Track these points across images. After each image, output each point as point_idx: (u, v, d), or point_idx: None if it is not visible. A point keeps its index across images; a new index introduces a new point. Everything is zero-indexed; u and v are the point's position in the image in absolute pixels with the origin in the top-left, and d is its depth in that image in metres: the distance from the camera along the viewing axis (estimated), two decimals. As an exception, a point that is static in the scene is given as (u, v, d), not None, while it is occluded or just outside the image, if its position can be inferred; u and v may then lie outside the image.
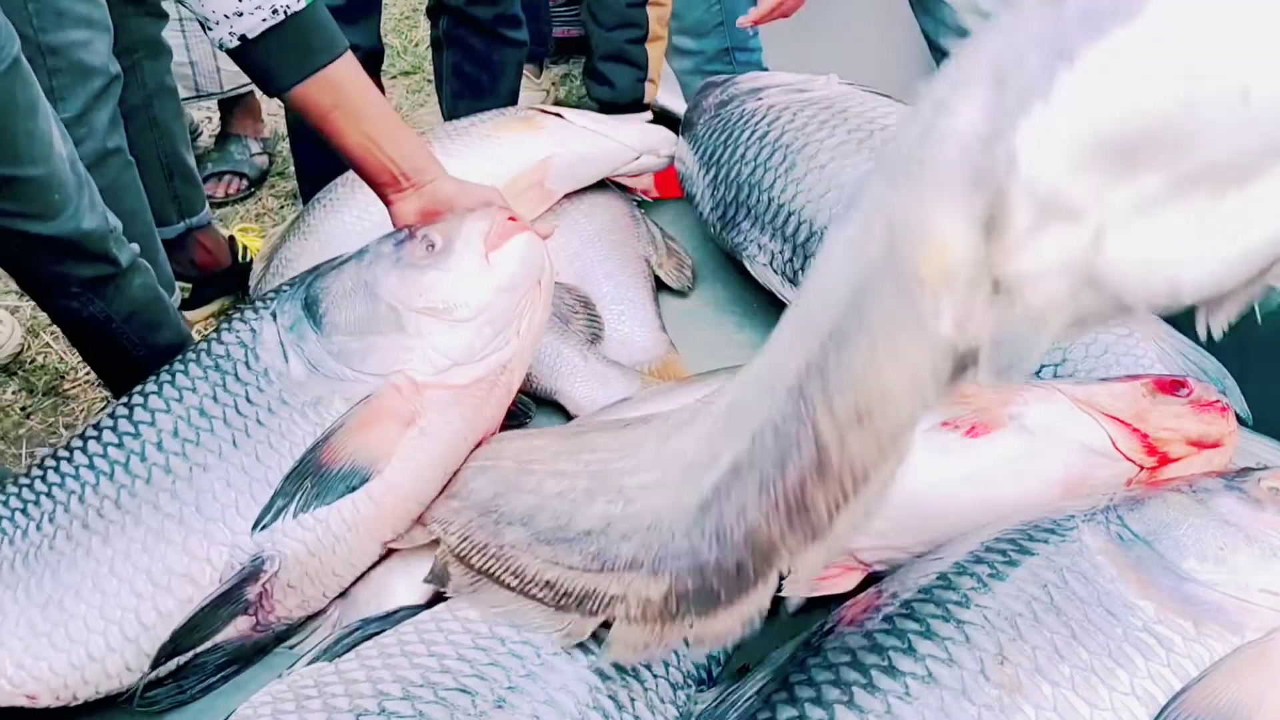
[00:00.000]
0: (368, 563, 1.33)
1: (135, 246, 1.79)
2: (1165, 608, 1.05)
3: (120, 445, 1.31)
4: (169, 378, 1.37)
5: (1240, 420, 1.44)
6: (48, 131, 1.55)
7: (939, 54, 2.51)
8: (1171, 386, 1.27)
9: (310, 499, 1.27)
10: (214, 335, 1.40)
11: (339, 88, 1.40)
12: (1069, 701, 1.00)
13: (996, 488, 1.22)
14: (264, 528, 1.26)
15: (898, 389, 0.84)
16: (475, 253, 1.36)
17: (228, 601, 1.25)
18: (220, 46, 1.38)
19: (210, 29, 1.37)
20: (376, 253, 1.40)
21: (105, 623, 1.23)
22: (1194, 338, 1.46)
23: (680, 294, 1.80)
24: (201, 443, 1.30)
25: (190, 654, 1.26)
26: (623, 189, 1.96)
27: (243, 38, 1.37)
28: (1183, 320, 1.48)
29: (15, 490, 1.32)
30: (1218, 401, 1.28)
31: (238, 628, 1.28)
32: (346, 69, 1.41)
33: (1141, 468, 1.24)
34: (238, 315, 1.41)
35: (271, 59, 1.39)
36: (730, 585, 0.99)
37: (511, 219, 1.40)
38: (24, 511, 1.29)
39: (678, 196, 1.96)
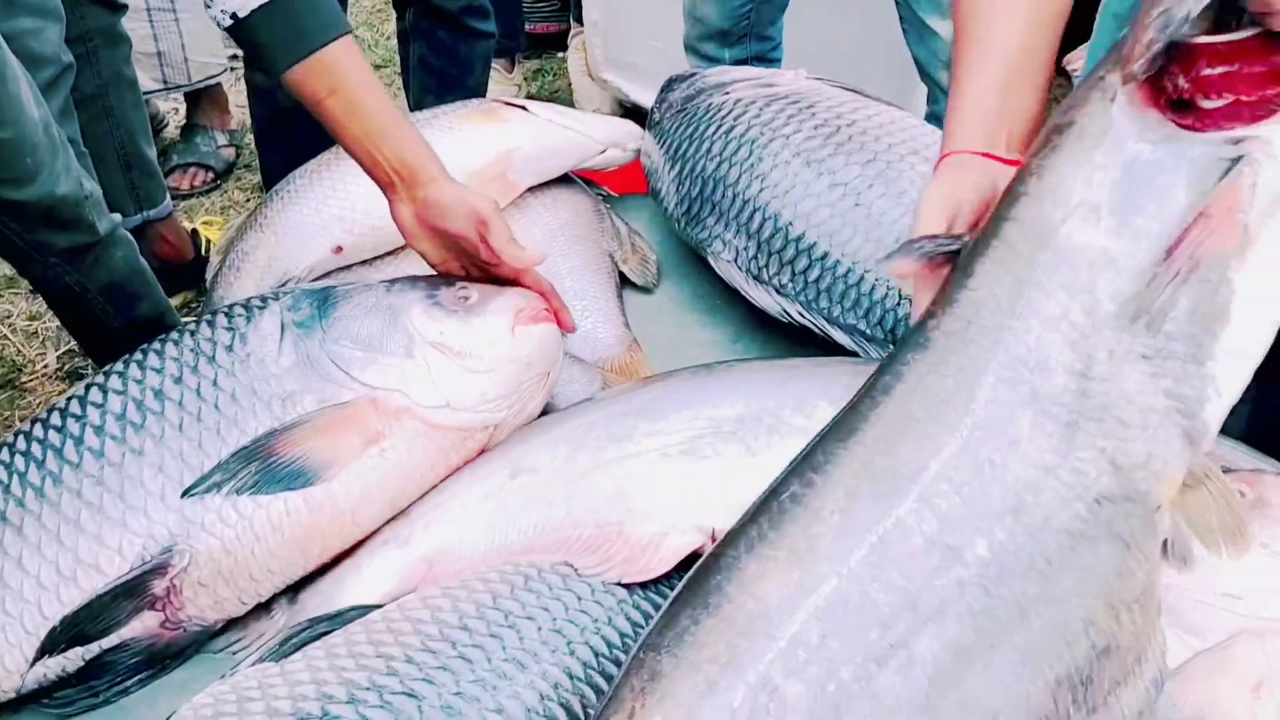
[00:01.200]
0: (291, 574, 1.29)
1: (117, 216, 1.77)
2: (1126, 611, 1.03)
3: (61, 430, 1.28)
4: (142, 356, 1.34)
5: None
6: (18, 94, 1.52)
7: (931, 83, 2.53)
8: None
9: (249, 483, 1.22)
10: (210, 315, 1.37)
11: (334, 72, 1.37)
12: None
13: None
14: (198, 494, 1.22)
15: None
16: (505, 319, 1.37)
17: (130, 594, 1.20)
18: (218, 25, 1.37)
19: (208, 6, 1.36)
20: (410, 285, 1.40)
21: (5, 617, 1.19)
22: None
23: (645, 290, 1.77)
24: (145, 427, 1.26)
25: (97, 650, 1.22)
26: (589, 183, 1.93)
27: (234, 15, 1.35)
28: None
29: None
30: None
31: (145, 624, 1.23)
32: (344, 53, 1.38)
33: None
34: (244, 301, 1.39)
35: (264, 39, 1.36)
36: None
37: (548, 309, 1.42)
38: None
39: (641, 192, 1.94)
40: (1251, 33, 0.92)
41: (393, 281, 1.42)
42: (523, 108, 1.86)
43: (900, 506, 0.91)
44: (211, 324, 1.36)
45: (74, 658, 1.22)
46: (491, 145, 1.78)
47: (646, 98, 2.37)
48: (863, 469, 0.94)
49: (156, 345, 1.35)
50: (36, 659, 1.20)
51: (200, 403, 1.29)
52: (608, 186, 1.97)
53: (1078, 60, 3.18)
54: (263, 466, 1.23)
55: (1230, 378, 0.94)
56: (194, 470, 1.24)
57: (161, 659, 1.26)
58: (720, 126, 1.65)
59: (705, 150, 1.65)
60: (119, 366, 1.34)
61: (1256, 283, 0.93)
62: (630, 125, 1.94)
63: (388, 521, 1.31)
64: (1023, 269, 0.95)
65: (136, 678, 1.25)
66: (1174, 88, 0.95)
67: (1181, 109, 0.95)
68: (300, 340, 1.32)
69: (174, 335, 1.36)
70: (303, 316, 1.35)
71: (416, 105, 2.71)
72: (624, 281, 1.78)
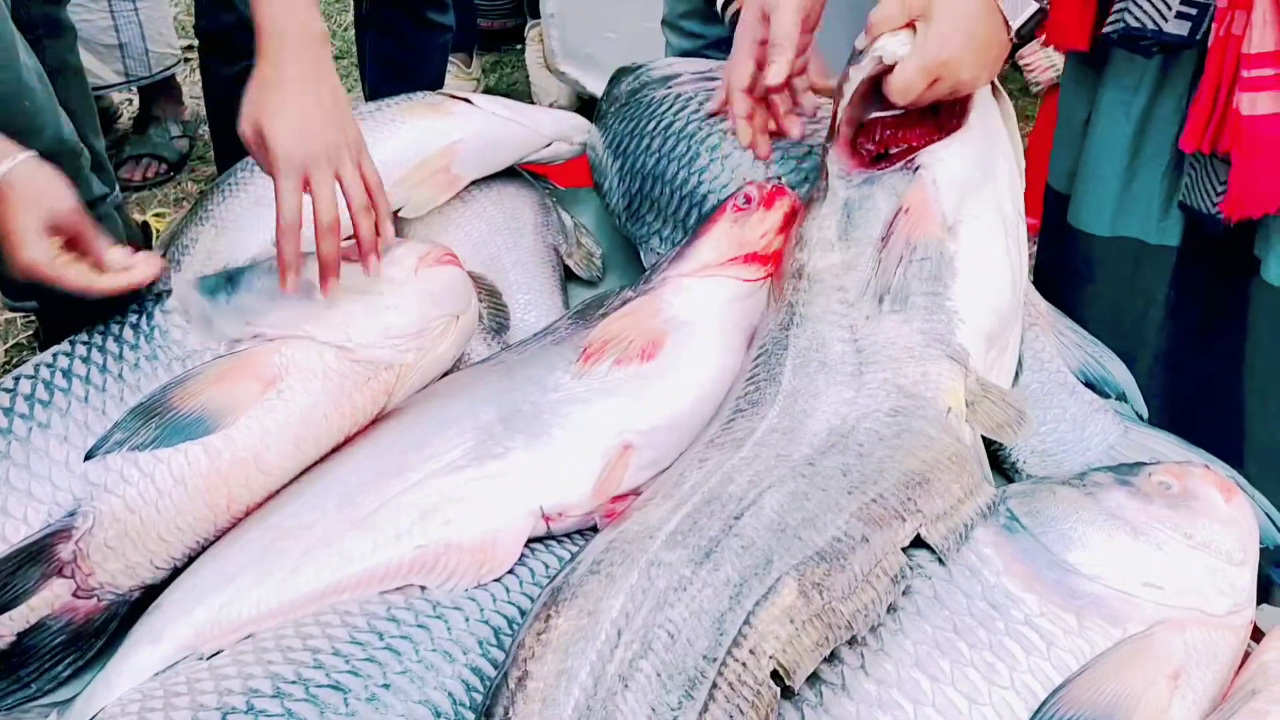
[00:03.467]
0: (199, 531, 1.27)
1: (107, 186, 1.76)
2: (1049, 601, 1.05)
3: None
4: (68, 346, 1.34)
5: (1140, 417, 1.46)
6: (12, 41, 1.49)
7: None
8: (742, 205, 1.45)
9: (149, 439, 1.21)
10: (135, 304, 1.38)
11: None
12: (947, 696, 0.99)
13: (709, 375, 1.34)
14: (99, 454, 1.21)
15: None
16: (409, 259, 1.39)
17: (34, 559, 1.18)
18: None
19: None
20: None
21: None
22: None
23: (589, 284, 1.77)
24: (51, 402, 1.27)
25: (14, 637, 1.20)
26: (535, 177, 1.93)
27: None
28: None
29: None
30: (772, 186, 1.46)
31: (57, 594, 1.21)
32: None
33: (769, 275, 1.40)
34: (157, 286, 1.38)
35: None
36: None
37: (450, 257, 1.44)
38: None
39: (587, 186, 1.93)
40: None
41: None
42: (467, 100, 1.85)
43: (741, 451, 1.16)
44: (123, 310, 1.36)
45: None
46: (435, 138, 1.77)
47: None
48: (710, 441, 1.21)
49: (83, 336, 1.35)
50: None
51: (104, 375, 1.29)
52: (554, 181, 1.97)
53: (1030, 56, 3.20)
54: (161, 421, 1.22)
55: (971, 311, 1.25)
56: (96, 436, 1.24)
57: (84, 637, 1.25)
58: (660, 122, 1.65)
59: (646, 146, 1.65)
60: (45, 357, 1.34)
61: (970, 248, 1.28)
62: (576, 119, 1.94)
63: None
64: (794, 296, 1.31)
65: (64, 661, 1.24)
66: (867, 150, 1.38)
67: (876, 161, 1.37)
68: (202, 303, 1.33)
69: (102, 326, 1.36)
70: (208, 285, 1.36)
71: (373, 96, 2.69)
72: (568, 275, 1.78)
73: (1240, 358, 1.51)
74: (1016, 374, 1.37)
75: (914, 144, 1.37)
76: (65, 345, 1.35)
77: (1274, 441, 1.49)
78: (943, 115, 1.37)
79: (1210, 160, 1.41)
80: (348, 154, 1.32)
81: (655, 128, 1.64)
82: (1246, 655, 1.08)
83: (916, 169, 1.31)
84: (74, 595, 1.23)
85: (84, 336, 1.35)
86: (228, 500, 1.27)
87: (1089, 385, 1.45)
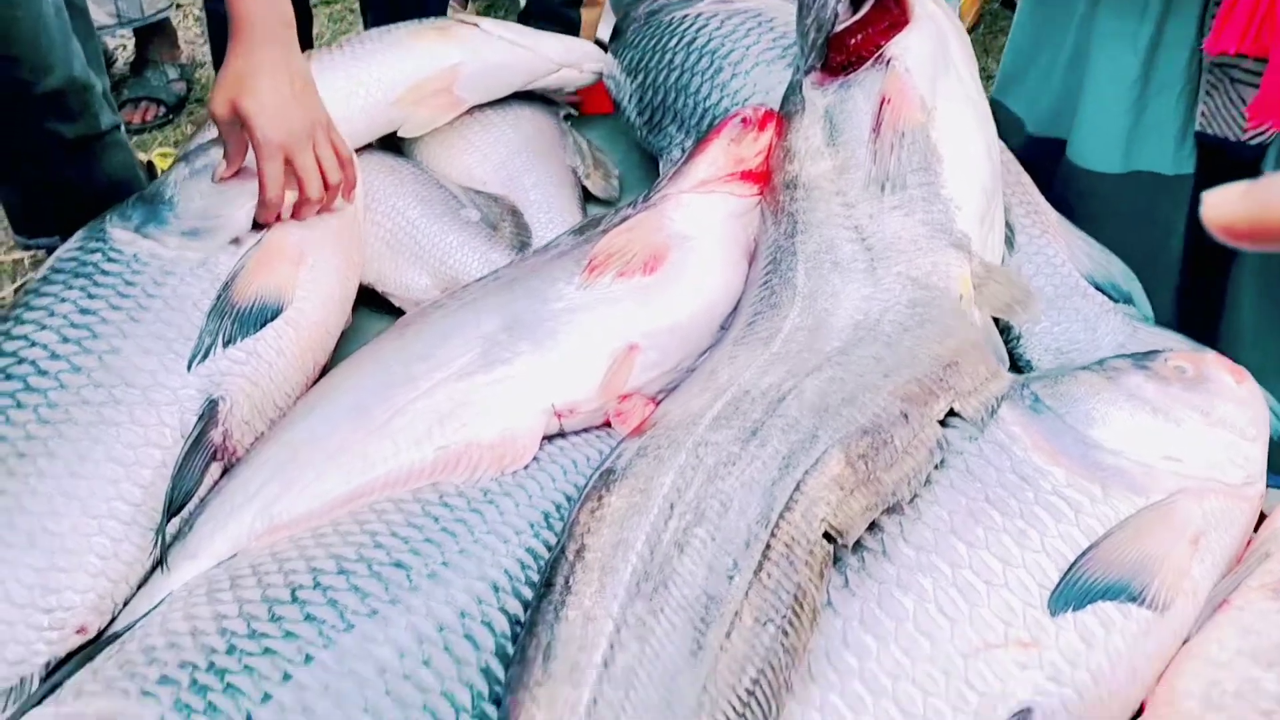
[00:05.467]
0: (299, 391, 1.41)
1: (116, 117, 1.79)
2: (1075, 473, 1.10)
3: (8, 376, 1.29)
4: (21, 310, 1.36)
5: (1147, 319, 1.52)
6: None
7: None
8: (741, 126, 1.50)
9: (233, 333, 1.34)
10: (52, 264, 1.42)
11: None
12: (982, 559, 1.05)
13: (713, 285, 1.40)
14: (200, 362, 1.31)
15: None
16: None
17: (198, 450, 1.26)
18: None
19: None
20: (200, 152, 1.53)
21: (97, 521, 1.21)
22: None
23: (607, 204, 1.81)
24: (99, 333, 1.31)
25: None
26: (551, 103, 1.96)
27: None
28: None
29: None
30: (765, 110, 1.52)
31: (212, 477, 1.29)
32: None
33: (761, 192, 1.46)
34: (67, 246, 1.44)
35: None
36: None
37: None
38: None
39: (606, 112, 1.97)
40: (869, 5, 1.45)
41: (185, 156, 1.56)
42: (475, 24, 1.88)
43: (771, 348, 1.23)
44: (67, 263, 1.42)
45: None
46: (437, 59, 1.81)
47: (602, 31, 2.40)
48: (735, 341, 1.28)
49: (27, 296, 1.39)
50: (159, 539, 1.23)
51: (130, 300, 1.36)
52: (571, 106, 2.00)
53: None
54: (234, 317, 1.35)
55: (964, 196, 1.33)
56: (174, 340, 1.32)
57: None
58: (682, 38, 1.69)
59: (668, 61, 1.69)
60: (4, 325, 1.37)
61: (950, 128, 1.36)
62: (588, 46, 1.97)
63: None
64: (793, 206, 1.37)
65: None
66: (834, 64, 1.45)
67: (847, 70, 1.43)
68: (159, 232, 1.43)
69: (34, 287, 1.41)
70: (139, 221, 1.44)
71: (372, 37, 2.71)
72: (587, 196, 1.82)
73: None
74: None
75: (880, 44, 1.44)
76: (42, 300, 1.37)
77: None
78: (888, 17, 1.45)
79: (1230, 82, 1.45)
80: (321, 133, 1.44)
81: (678, 44, 1.69)
82: (1258, 524, 1.15)
83: (888, 61, 1.39)
84: (221, 476, 1.31)
85: (50, 289, 1.39)
86: (314, 363, 1.43)
87: (1098, 290, 1.51)
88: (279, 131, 1.39)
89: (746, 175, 1.47)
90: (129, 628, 1.12)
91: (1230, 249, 1.56)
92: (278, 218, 1.45)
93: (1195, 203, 1.57)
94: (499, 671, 1.06)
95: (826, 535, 1.03)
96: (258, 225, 1.45)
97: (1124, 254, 1.52)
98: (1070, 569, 1.04)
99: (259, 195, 1.42)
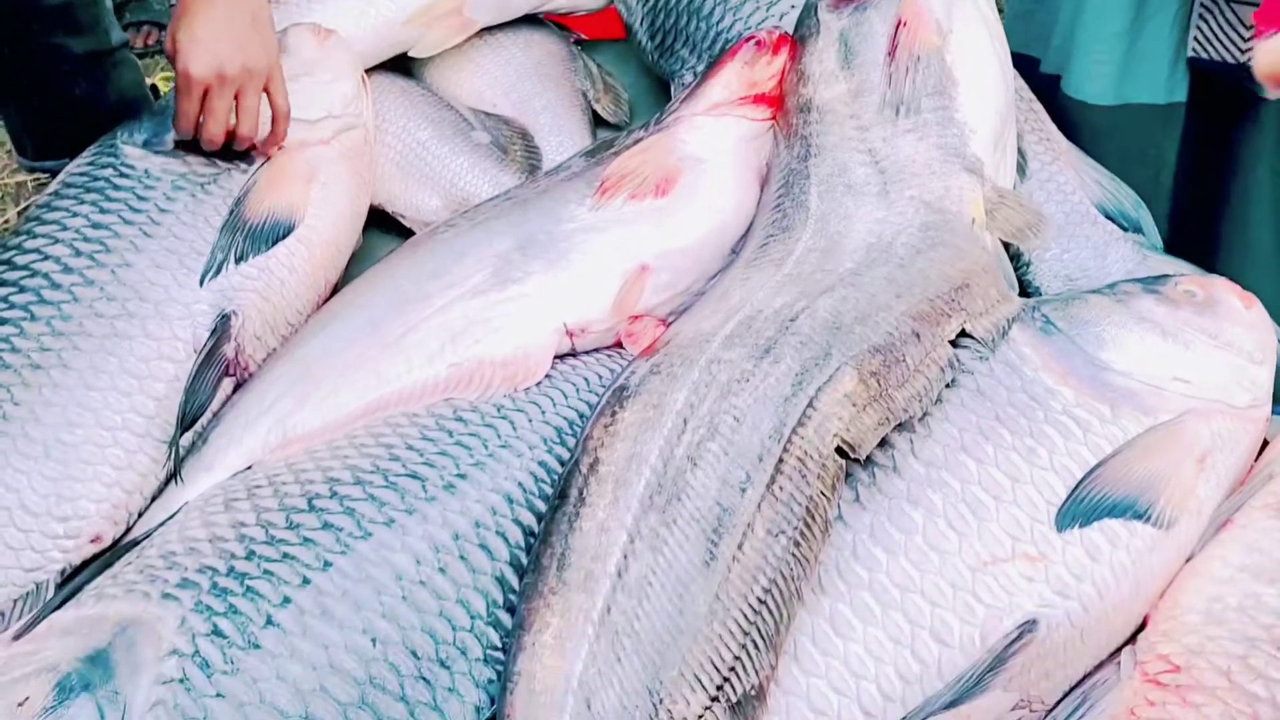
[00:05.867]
0: (311, 309, 1.42)
1: (125, 35, 1.78)
2: (1084, 393, 1.12)
3: (22, 289, 1.29)
4: (34, 223, 1.37)
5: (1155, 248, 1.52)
6: None
7: None
8: (755, 49, 1.49)
9: (245, 248, 1.34)
10: (63, 180, 1.42)
11: None
12: (991, 476, 1.06)
13: (724, 208, 1.40)
14: (211, 278, 1.32)
15: None
16: (310, 41, 1.55)
17: (211, 364, 1.27)
18: None
19: None
20: None
21: (111, 432, 1.22)
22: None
23: (617, 128, 1.80)
24: (111, 247, 1.32)
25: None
26: (561, 27, 1.95)
27: None
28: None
29: None
30: (780, 33, 1.51)
31: (224, 391, 1.30)
32: None
33: (774, 116, 1.45)
34: (78, 163, 1.44)
35: None
36: None
37: (321, 28, 1.58)
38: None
39: (617, 37, 1.96)
40: None
41: None
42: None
43: (783, 269, 1.23)
44: (78, 178, 1.42)
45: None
46: (447, -21, 1.79)
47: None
48: (747, 263, 1.28)
49: (38, 211, 1.40)
50: (175, 441, 1.24)
51: (142, 215, 1.36)
52: (581, 32, 1.99)
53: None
54: (246, 233, 1.35)
55: (978, 120, 1.34)
56: (186, 255, 1.33)
57: None
58: (694, -37, 1.68)
59: (680, -16, 1.68)
60: (14, 240, 1.37)
61: (965, 52, 1.37)
62: (599, -31, 1.96)
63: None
64: (807, 130, 1.38)
65: None
66: None
67: None
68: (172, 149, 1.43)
69: (43, 203, 1.41)
70: (148, 135, 1.44)
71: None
72: (597, 120, 1.81)
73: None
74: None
75: None
76: (53, 215, 1.38)
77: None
78: None
79: (1227, 2, 1.44)
80: (255, 80, 1.38)
81: (689, -32, 1.68)
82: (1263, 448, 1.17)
83: None
84: (234, 391, 1.32)
85: (62, 204, 1.39)
86: (325, 281, 1.43)
87: (1108, 218, 1.51)
88: (201, 67, 1.33)
89: (760, 99, 1.47)
90: (146, 535, 1.14)
91: (1221, 179, 1.58)
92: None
93: (1187, 132, 1.57)
94: (513, 580, 1.08)
95: (839, 450, 1.04)
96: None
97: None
98: (1078, 486, 1.06)
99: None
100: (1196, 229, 1.63)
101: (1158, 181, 1.61)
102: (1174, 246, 1.55)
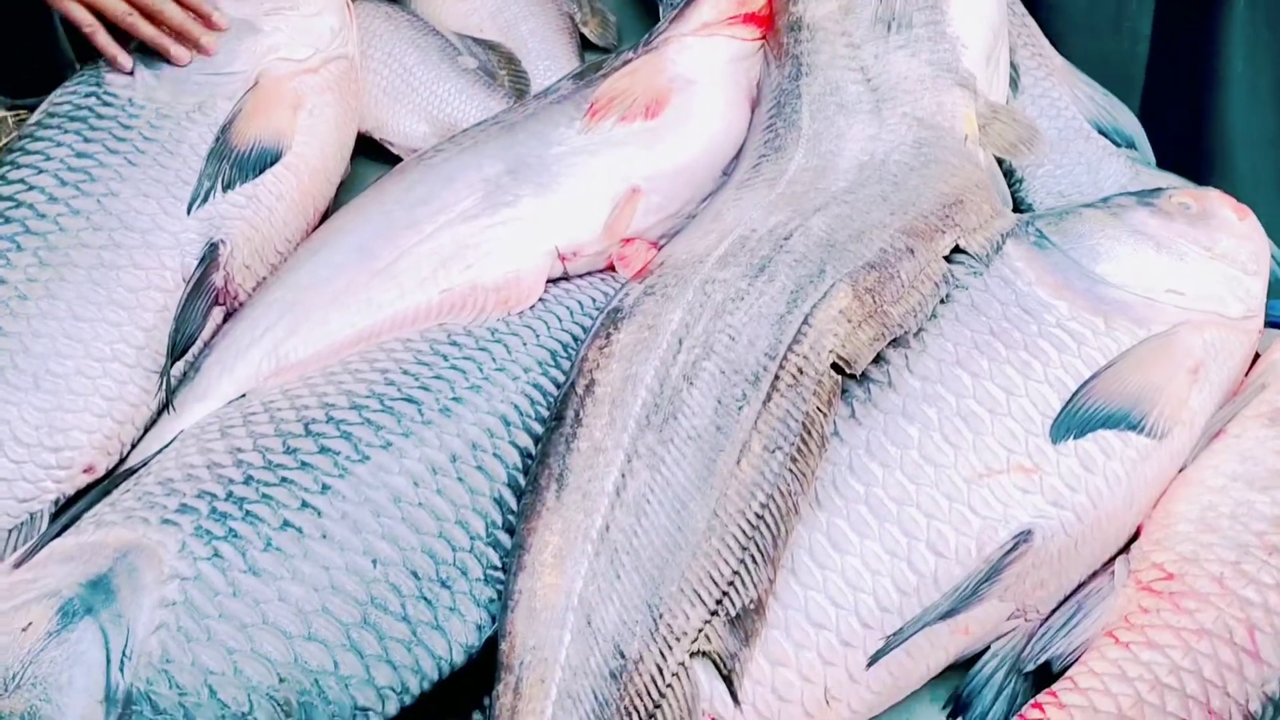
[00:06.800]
0: (300, 237, 1.40)
1: None
2: (1078, 306, 1.12)
3: (7, 220, 1.28)
4: (17, 154, 1.35)
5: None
6: None
7: None
8: None
9: (232, 176, 1.33)
10: (46, 109, 1.40)
11: None
12: (986, 389, 1.07)
13: (716, 129, 1.38)
14: (199, 206, 1.30)
15: None
16: None
17: (200, 292, 1.26)
18: None
19: None
20: None
21: (101, 362, 1.22)
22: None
23: (605, 51, 1.78)
24: (96, 177, 1.30)
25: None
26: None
27: None
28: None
29: None
30: None
31: (214, 321, 1.29)
32: None
33: (764, 36, 1.44)
34: (61, 91, 1.42)
35: None
36: None
37: None
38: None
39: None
40: None
41: None
42: None
43: (777, 189, 1.22)
44: (61, 104, 1.40)
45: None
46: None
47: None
48: (740, 184, 1.27)
49: (22, 141, 1.38)
50: (163, 380, 1.23)
51: (126, 143, 1.34)
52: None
53: None
54: (233, 161, 1.33)
55: (970, 34, 1.33)
56: (172, 184, 1.31)
57: None
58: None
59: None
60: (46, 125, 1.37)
61: None
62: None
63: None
64: (798, 49, 1.36)
65: None
66: None
67: None
68: (154, 76, 1.40)
69: (30, 130, 1.39)
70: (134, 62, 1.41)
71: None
72: (584, 43, 1.79)
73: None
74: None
75: None
76: (37, 145, 1.36)
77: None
78: None
79: None
80: None
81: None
82: (1256, 358, 1.17)
83: None
84: (224, 320, 1.31)
85: (47, 133, 1.37)
86: (314, 209, 1.41)
87: (1101, 134, 1.50)
88: None
89: (750, 18, 1.45)
90: (143, 464, 1.14)
91: (1198, 53, 1.57)
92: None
93: (1161, 4, 1.56)
94: (511, 502, 1.08)
95: (834, 366, 1.04)
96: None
97: (1092, 66, 1.52)
98: (1072, 398, 1.06)
99: None
100: (1173, 105, 1.63)
101: (1133, 57, 1.61)
102: (1150, 123, 1.55)
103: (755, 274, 1.11)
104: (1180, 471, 1.09)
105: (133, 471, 1.13)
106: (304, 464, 1.06)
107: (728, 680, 0.96)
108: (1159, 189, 1.25)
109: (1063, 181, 1.46)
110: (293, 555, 0.99)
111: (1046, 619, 1.04)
